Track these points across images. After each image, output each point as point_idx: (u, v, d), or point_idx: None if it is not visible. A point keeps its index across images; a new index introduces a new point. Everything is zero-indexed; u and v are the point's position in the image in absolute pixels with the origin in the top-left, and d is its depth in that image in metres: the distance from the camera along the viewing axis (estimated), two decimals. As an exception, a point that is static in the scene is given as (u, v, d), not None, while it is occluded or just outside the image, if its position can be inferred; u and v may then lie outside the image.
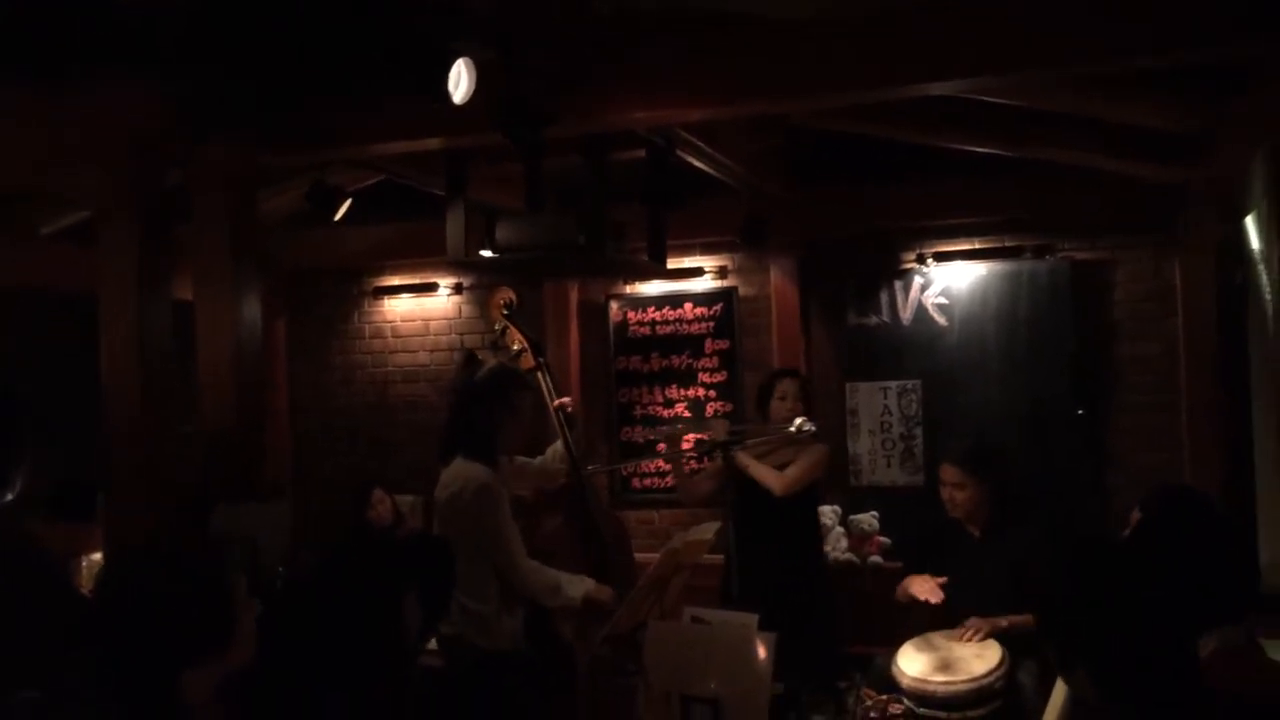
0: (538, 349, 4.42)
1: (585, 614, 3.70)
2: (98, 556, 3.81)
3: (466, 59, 3.28)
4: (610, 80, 3.85)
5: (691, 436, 5.17)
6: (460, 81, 3.30)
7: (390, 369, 7.19)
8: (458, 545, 3.20)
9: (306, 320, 7.34)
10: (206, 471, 4.09)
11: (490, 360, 3.97)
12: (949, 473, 4.45)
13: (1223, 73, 4.19)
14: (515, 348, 4.41)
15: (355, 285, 7.25)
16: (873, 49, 3.66)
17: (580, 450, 4.34)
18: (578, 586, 3.67)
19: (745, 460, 4.51)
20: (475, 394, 3.75)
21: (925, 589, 4.22)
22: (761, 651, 2.95)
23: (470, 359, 4.04)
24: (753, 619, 3.21)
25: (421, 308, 7.13)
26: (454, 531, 3.55)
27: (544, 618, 3.74)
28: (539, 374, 4.33)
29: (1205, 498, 2.67)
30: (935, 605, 4.22)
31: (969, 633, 4.10)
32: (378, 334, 7.23)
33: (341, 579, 2.32)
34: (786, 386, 4.67)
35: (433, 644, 3.62)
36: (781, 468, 4.58)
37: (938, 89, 3.93)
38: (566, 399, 4.39)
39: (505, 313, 4.48)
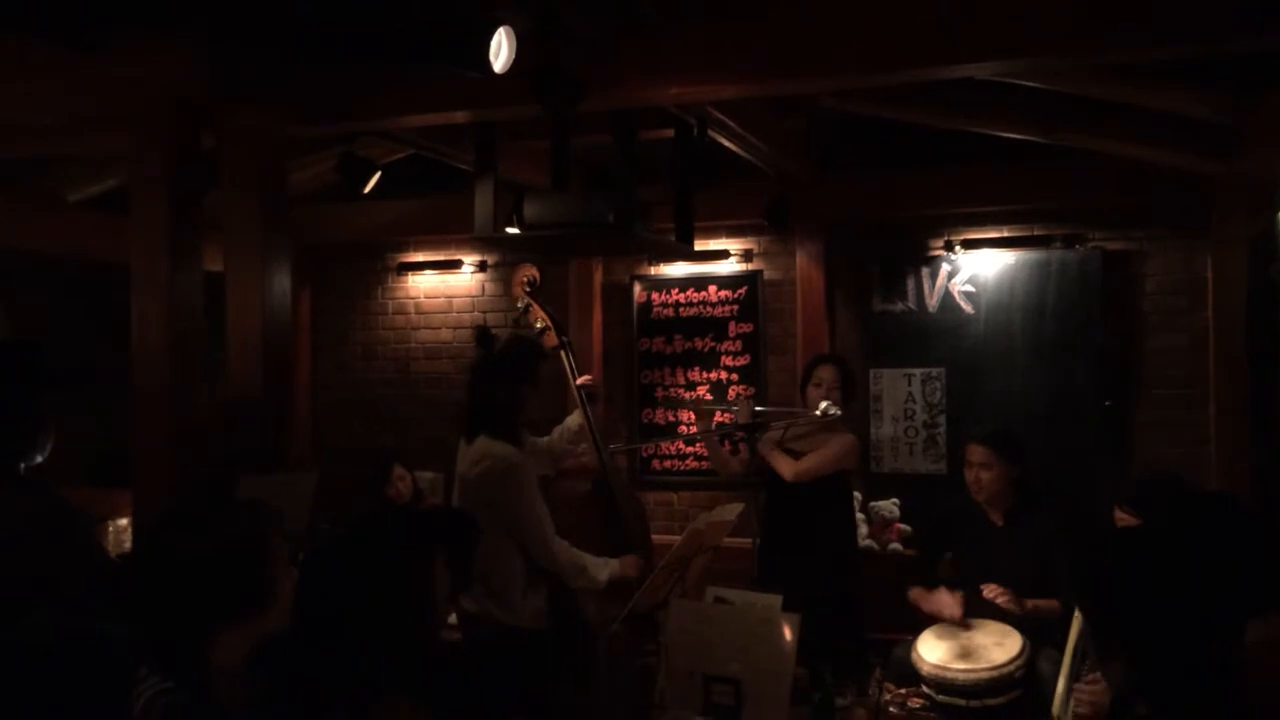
0: (560, 328, 4.42)
1: (609, 593, 3.69)
2: (124, 521, 3.83)
3: (507, 28, 3.25)
4: (643, 54, 3.82)
5: (717, 416, 5.17)
6: (501, 50, 3.26)
7: (412, 345, 7.20)
8: (483, 522, 3.21)
9: (329, 295, 7.35)
10: (231, 442, 4.09)
11: (504, 335, 3.97)
12: (976, 452, 4.42)
13: (1260, 65, 4.12)
14: (538, 326, 4.42)
15: (379, 261, 7.26)
16: (904, 29, 3.63)
17: (601, 429, 4.33)
18: (602, 569, 3.67)
19: (764, 446, 4.50)
20: (496, 368, 3.74)
21: (949, 606, 4.15)
22: (786, 633, 2.95)
23: (484, 335, 4.02)
24: (776, 600, 3.21)
25: (445, 284, 7.13)
26: (481, 508, 3.55)
27: (568, 596, 3.73)
28: (562, 353, 4.33)
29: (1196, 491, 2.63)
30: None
31: (989, 594, 4.06)
32: (400, 310, 7.24)
33: (369, 550, 2.31)
34: (823, 373, 4.64)
35: (452, 619, 3.64)
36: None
37: (966, 72, 3.88)
38: (588, 377, 4.39)
39: (528, 291, 4.48)
